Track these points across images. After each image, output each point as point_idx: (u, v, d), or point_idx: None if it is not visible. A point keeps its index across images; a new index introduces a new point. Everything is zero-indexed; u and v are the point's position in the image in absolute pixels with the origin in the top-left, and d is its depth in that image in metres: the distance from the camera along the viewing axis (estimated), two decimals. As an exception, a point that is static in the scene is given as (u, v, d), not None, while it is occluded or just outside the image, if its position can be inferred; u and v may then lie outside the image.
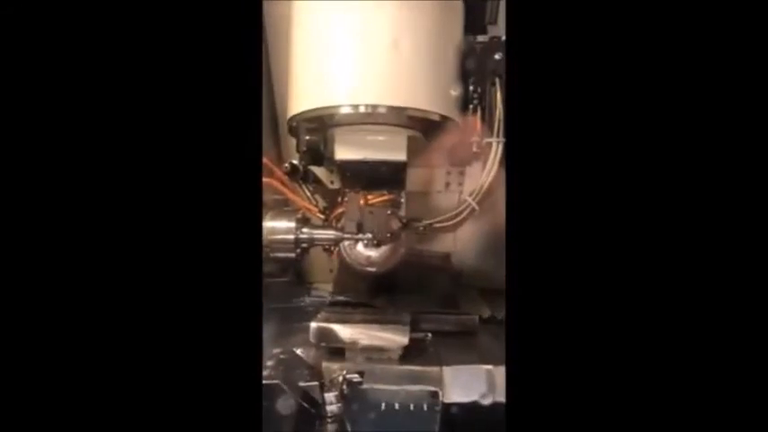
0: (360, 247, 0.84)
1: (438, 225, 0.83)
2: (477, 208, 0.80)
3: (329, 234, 0.86)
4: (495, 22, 0.96)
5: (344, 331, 0.87)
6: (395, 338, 0.88)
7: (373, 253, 0.83)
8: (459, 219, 0.82)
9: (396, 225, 0.81)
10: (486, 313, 1.16)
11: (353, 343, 0.87)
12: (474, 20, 0.89)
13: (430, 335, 0.94)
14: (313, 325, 0.85)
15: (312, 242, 0.86)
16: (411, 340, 0.88)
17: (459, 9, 0.80)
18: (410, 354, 0.88)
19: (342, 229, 0.85)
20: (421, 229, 0.84)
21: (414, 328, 0.90)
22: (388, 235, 0.79)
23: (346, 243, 0.84)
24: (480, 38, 0.82)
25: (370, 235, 0.80)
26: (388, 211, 0.80)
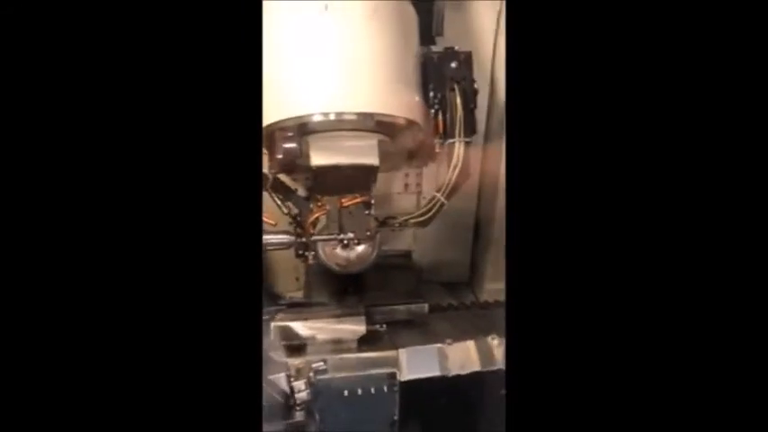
0: (338, 248, 0.88)
1: (413, 221, 0.89)
2: (446, 203, 0.87)
3: (282, 238, 0.89)
4: (441, 33, 1.05)
5: (303, 327, 0.93)
6: (352, 328, 0.96)
7: (351, 254, 0.87)
8: (430, 214, 0.89)
9: (373, 224, 0.85)
10: (449, 302, 1.25)
11: (313, 337, 0.94)
12: (422, 32, 0.98)
13: (384, 326, 1.01)
14: (272, 324, 0.88)
15: (265, 247, 0.88)
16: (367, 331, 0.95)
17: (414, 21, 0.87)
18: (367, 343, 0.95)
19: (303, 234, 0.89)
20: (397, 225, 0.90)
21: (368, 321, 0.97)
22: (368, 233, 0.84)
23: (327, 246, 0.87)
24: (435, 48, 0.89)
25: (337, 235, 0.84)
26: (366, 212, 0.85)
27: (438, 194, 0.87)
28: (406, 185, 1.17)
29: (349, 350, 0.95)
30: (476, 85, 0.85)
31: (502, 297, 1.24)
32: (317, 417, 0.91)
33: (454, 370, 0.93)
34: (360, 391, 0.91)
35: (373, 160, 0.82)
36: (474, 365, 0.94)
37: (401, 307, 1.08)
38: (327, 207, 0.86)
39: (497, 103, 1.15)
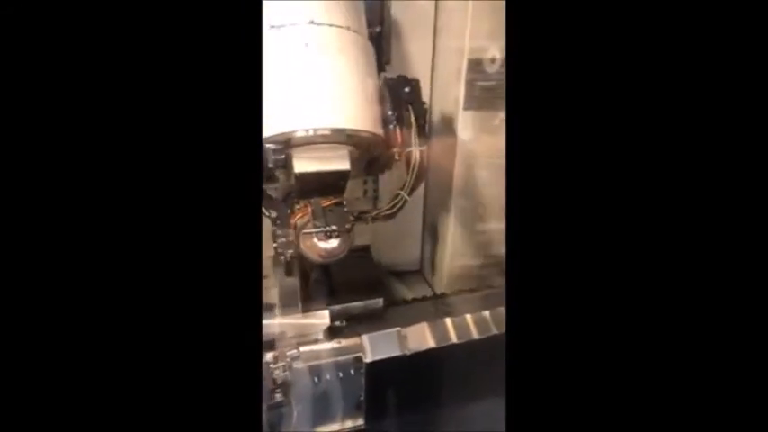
0: (317, 240, 1.04)
1: (383, 214, 1.08)
2: (408, 199, 1.07)
3: None
4: (389, 62, 1.26)
5: (272, 326, 1.06)
6: (317, 321, 1.10)
7: (330, 245, 1.04)
8: (396, 208, 1.08)
9: (350, 220, 1.03)
10: (409, 296, 1.44)
11: (282, 333, 1.06)
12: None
13: (344, 321, 1.16)
14: None
15: None
16: (329, 328, 1.09)
17: (373, 54, 1.07)
18: (332, 336, 1.10)
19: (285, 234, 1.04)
20: (370, 219, 1.08)
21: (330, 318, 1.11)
22: (347, 227, 1.01)
23: (308, 241, 1.02)
24: (389, 75, 1.10)
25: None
26: (345, 209, 1.02)
27: (402, 192, 1.07)
28: (365, 191, 1.35)
29: (316, 342, 1.09)
30: (425, 106, 1.07)
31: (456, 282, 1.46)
32: (293, 402, 1.04)
33: (413, 348, 1.07)
34: (329, 377, 1.04)
35: (346, 166, 1.00)
36: (430, 343, 1.10)
37: (358, 303, 1.23)
38: (310, 208, 1.02)
39: (434, 117, 1.38)
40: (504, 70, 1.22)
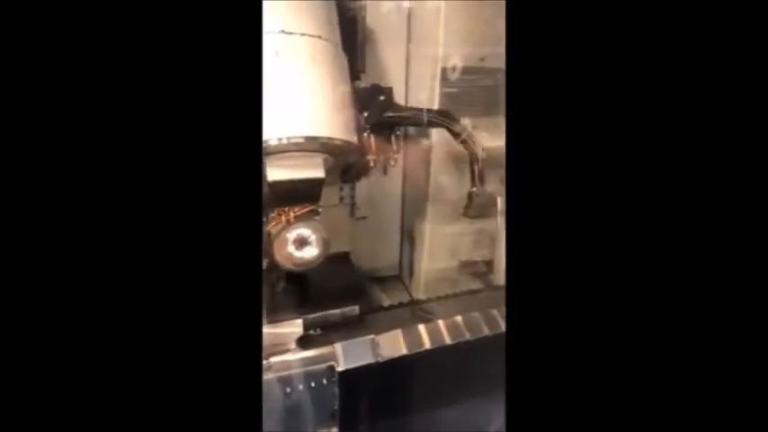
0: (292, 249, 1.03)
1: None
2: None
3: None
4: (364, 70, 1.27)
5: None
6: (290, 331, 1.08)
7: (305, 254, 1.03)
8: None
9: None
10: (386, 302, 1.44)
11: None
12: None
13: (319, 330, 1.15)
14: None
15: None
16: (304, 337, 1.08)
17: (345, 62, 1.08)
18: (305, 345, 1.08)
19: None
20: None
21: (304, 327, 1.10)
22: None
23: (282, 250, 1.02)
24: (364, 84, 1.11)
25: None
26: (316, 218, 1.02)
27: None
28: (341, 198, 1.36)
29: (289, 352, 1.06)
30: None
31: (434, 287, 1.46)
32: (263, 414, 1.03)
33: (386, 356, 1.08)
34: (301, 387, 1.03)
35: (320, 174, 1.01)
36: (402, 350, 1.11)
37: (334, 311, 1.22)
38: (284, 217, 1.01)
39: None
40: (466, 78, 1.24)
